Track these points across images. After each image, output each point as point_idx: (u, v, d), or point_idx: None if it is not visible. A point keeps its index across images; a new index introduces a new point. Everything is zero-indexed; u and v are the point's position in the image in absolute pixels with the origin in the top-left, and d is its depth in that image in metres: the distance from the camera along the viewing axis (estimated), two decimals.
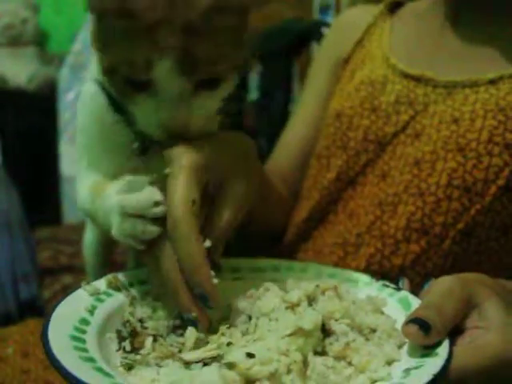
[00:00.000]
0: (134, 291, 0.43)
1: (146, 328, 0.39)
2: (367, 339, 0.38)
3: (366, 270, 0.56)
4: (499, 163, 0.53)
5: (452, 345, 0.36)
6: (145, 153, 0.48)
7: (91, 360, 0.34)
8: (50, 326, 0.36)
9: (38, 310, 1.13)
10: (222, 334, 0.38)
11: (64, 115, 1.77)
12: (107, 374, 0.33)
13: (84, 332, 0.37)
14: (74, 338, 0.36)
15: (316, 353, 0.36)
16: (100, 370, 0.33)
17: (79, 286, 0.42)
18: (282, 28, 1.34)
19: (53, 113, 1.83)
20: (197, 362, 0.35)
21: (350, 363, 0.36)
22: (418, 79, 0.60)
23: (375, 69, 0.64)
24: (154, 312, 0.41)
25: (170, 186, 0.39)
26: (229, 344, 0.36)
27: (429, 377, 0.32)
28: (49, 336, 0.34)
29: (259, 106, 1.41)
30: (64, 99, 1.81)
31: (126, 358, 0.37)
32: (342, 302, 0.41)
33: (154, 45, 0.38)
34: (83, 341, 0.36)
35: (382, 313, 0.41)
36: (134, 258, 0.73)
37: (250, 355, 0.33)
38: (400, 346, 0.38)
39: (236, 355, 0.33)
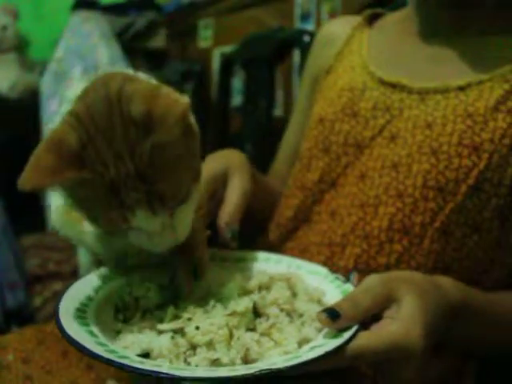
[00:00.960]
0: (134, 275, 0.52)
1: (138, 304, 0.49)
2: (291, 322, 0.47)
3: (354, 268, 0.59)
4: (468, 164, 0.56)
5: (359, 330, 0.43)
6: None
7: (86, 325, 0.44)
8: (62, 300, 0.45)
9: (26, 318, 1.13)
10: (188, 312, 0.47)
11: (47, 123, 1.77)
12: (95, 335, 0.42)
13: (87, 305, 0.46)
14: (78, 310, 0.45)
15: (248, 329, 0.45)
16: (91, 332, 0.42)
17: None
18: (264, 36, 1.37)
19: (35, 120, 1.82)
20: (167, 332, 0.44)
21: (271, 339, 0.44)
22: (393, 86, 0.64)
23: (355, 76, 0.68)
24: (147, 292, 0.49)
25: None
26: (189, 319, 0.45)
27: (322, 352, 0.39)
28: (59, 307, 0.44)
29: (243, 111, 1.44)
30: (47, 106, 1.81)
31: (117, 325, 0.47)
32: (287, 291, 0.50)
33: (121, 203, 0.41)
34: (84, 311, 0.45)
35: (319, 302, 0.50)
36: None
37: (197, 328, 0.43)
38: (320, 330, 0.45)
39: (190, 327, 0.43)
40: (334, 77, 0.72)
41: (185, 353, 0.42)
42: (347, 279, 0.52)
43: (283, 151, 0.84)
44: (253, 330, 0.45)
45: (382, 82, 0.65)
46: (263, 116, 1.32)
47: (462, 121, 0.57)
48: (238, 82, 1.58)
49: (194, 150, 0.45)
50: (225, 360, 0.41)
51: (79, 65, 1.78)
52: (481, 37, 0.62)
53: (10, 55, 2.07)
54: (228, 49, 1.68)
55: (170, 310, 0.47)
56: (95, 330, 0.43)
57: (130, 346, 0.43)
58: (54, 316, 0.43)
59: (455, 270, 0.57)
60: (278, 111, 1.60)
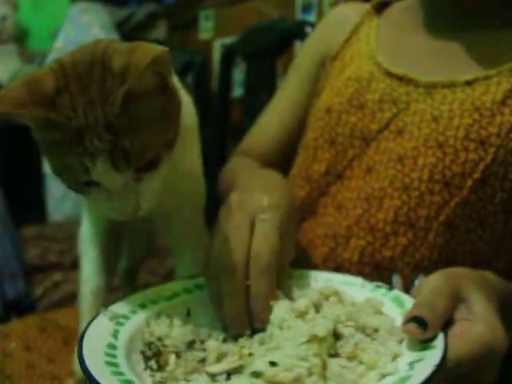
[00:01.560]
0: (148, 312, 0.46)
1: (166, 346, 0.43)
2: (373, 339, 0.41)
3: (359, 263, 0.59)
4: (475, 158, 0.56)
5: (446, 337, 0.39)
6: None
7: (130, 382, 0.37)
8: (83, 354, 0.38)
9: (25, 308, 1.13)
10: (242, 346, 0.41)
11: None
12: None
13: (114, 356, 0.40)
14: (108, 364, 0.38)
15: (330, 355, 0.39)
16: None
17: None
18: (266, 27, 1.36)
19: None
20: (221, 374, 0.39)
21: (360, 362, 0.39)
22: (400, 78, 0.63)
23: (362, 65, 0.67)
24: (171, 330, 0.44)
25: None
26: (250, 354, 0.39)
27: (432, 368, 0.35)
28: (87, 364, 0.37)
29: (244, 103, 1.43)
30: None
31: (153, 376, 0.40)
32: (344, 306, 0.45)
33: (84, 150, 0.40)
34: (117, 365, 0.39)
35: (381, 313, 0.45)
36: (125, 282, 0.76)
37: (273, 363, 0.36)
38: (400, 342, 0.41)
39: (260, 364, 0.37)
40: (341, 64, 0.71)
41: None
42: (390, 284, 0.49)
43: (265, 134, 0.79)
44: (335, 355, 0.40)
45: (389, 74, 0.64)
46: (264, 108, 1.32)
47: (468, 115, 0.57)
48: (238, 74, 1.57)
49: (170, 112, 0.44)
50: None
51: None
52: (487, 32, 0.61)
53: (9, 46, 2.07)
54: (229, 40, 1.67)
55: (214, 347, 0.41)
56: None
57: None
58: (85, 374, 0.36)
59: (459, 262, 0.57)
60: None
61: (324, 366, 0.37)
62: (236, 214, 0.48)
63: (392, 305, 0.46)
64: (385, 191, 0.60)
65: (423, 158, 0.58)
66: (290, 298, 0.46)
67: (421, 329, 0.39)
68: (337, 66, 0.71)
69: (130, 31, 1.97)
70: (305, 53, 0.80)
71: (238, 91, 1.61)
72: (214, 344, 0.42)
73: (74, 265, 1.12)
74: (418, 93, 0.62)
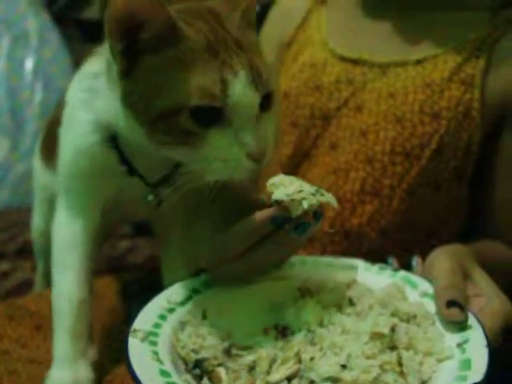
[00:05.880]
0: (170, 323, 0.44)
1: (207, 359, 0.41)
2: (417, 325, 0.42)
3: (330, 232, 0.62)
4: (430, 130, 0.61)
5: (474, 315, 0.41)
6: (160, 204, 0.48)
7: None
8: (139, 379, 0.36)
9: None
10: (298, 351, 0.40)
11: None
12: None
13: (168, 374, 0.38)
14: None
15: (389, 348, 0.39)
16: None
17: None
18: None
19: None
20: (281, 382, 0.38)
21: (416, 351, 0.39)
22: (355, 61, 0.67)
23: (315, 52, 0.70)
24: (204, 340, 0.43)
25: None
26: (312, 359, 0.38)
27: (485, 349, 0.37)
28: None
29: None
30: None
31: None
32: (371, 294, 0.45)
33: (222, 64, 0.37)
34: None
35: (405, 297, 0.45)
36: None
37: (344, 366, 0.36)
38: (433, 324, 0.42)
39: (327, 368, 0.36)
40: (295, 50, 0.74)
41: None
42: (390, 266, 0.50)
43: None
44: (393, 348, 0.39)
45: (343, 59, 0.68)
46: None
47: (421, 91, 0.62)
48: None
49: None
50: None
51: (7, 35, 1.66)
52: (433, 13, 0.66)
53: None
54: None
55: (263, 355, 0.40)
56: None
57: None
58: None
59: (418, 225, 0.63)
60: None
61: (399, 362, 0.37)
62: None
63: (407, 287, 0.46)
64: (350, 164, 0.64)
65: (384, 131, 0.63)
66: (316, 288, 0.46)
67: (462, 312, 0.41)
68: (291, 52, 0.74)
69: (61, 9, 1.87)
70: (265, 40, 0.81)
71: None
72: (262, 352, 0.41)
73: (20, 253, 1.07)
74: (373, 72, 0.66)
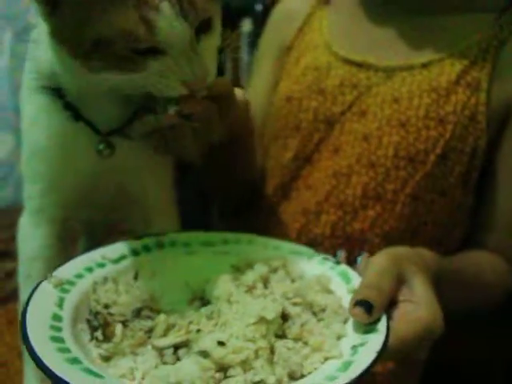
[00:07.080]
0: (94, 276, 0.45)
1: (112, 314, 0.41)
2: (319, 319, 0.42)
3: (332, 237, 0.62)
4: (435, 135, 0.61)
5: (389, 319, 0.41)
6: (112, 151, 0.48)
7: (76, 361, 0.35)
8: (27, 328, 0.36)
9: None
10: (190, 321, 0.41)
11: None
12: (97, 375, 0.35)
13: (60, 329, 0.38)
14: (53, 339, 0.37)
15: (277, 336, 0.40)
16: (89, 370, 0.35)
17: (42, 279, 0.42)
18: None
19: None
20: (168, 348, 0.38)
21: (305, 343, 0.39)
22: (360, 65, 0.66)
23: (318, 56, 0.69)
24: (118, 297, 0.43)
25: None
26: (198, 331, 0.39)
27: (374, 354, 0.36)
28: (30, 340, 0.35)
29: None
30: None
31: (99, 346, 0.40)
32: (293, 281, 0.45)
33: (139, 1, 0.36)
34: (62, 340, 0.37)
35: (329, 291, 0.45)
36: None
37: (221, 343, 0.37)
38: (345, 322, 0.42)
39: (207, 343, 0.37)
40: (296, 54, 0.72)
41: (213, 377, 0.35)
42: (335, 259, 0.50)
43: None
44: (281, 336, 0.40)
45: (347, 61, 0.67)
46: None
47: (427, 95, 0.61)
48: None
49: None
50: (271, 381, 0.35)
51: (9, 30, 1.66)
52: (438, 16, 0.65)
53: None
54: None
55: (161, 319, 0.41)
56: (91, 366, 0.35)
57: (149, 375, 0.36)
58: (27, 349, 0.35)
59: (423, 232, 0.62)
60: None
61: (271, 349, 0.37)
62: None
63: (339, 280, 0.46)
64: (352, 168, 0.63)
65: (387, 136, 0.62)
66: (245, 266, 0.47)
67: (367, 313, 0.40)
68: (292, 55, 0.73)
69: None
70: (263, 50, 0.81)
71: None
72: (162, 316, 0.41)
73: None
74: (378, 77, 0.65)
